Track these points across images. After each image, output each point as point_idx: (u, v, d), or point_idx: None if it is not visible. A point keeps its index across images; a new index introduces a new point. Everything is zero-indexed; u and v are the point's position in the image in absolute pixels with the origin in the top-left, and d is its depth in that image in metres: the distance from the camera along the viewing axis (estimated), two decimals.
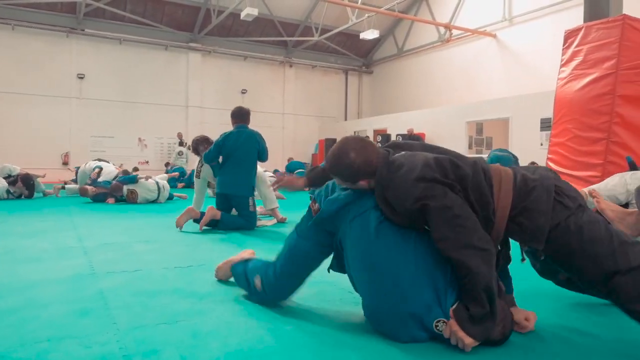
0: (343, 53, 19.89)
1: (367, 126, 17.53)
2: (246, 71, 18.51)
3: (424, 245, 1.75)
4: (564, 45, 4.72)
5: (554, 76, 5.13)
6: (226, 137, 4.90)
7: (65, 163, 15.44)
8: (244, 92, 18.45)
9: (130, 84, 16.46)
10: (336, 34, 17.55)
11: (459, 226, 1.63)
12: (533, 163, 9.03)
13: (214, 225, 4.63)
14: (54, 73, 15.43)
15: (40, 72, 15.25)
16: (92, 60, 15.96)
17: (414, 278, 1.69)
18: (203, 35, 17.04)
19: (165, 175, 10.24)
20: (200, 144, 5.58)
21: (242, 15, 13.42)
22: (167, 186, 8.10)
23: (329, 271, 2.06)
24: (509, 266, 1.99)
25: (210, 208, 4.57)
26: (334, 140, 15.34)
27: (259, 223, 5.03)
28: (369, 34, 15.19)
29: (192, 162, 14.30)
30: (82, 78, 15.82)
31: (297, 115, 19.65)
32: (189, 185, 11.06)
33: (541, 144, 10.66)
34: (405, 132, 14.10)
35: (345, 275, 1.96)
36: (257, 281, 2.10)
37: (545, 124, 10.36)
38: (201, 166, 5.48)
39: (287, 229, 4.83)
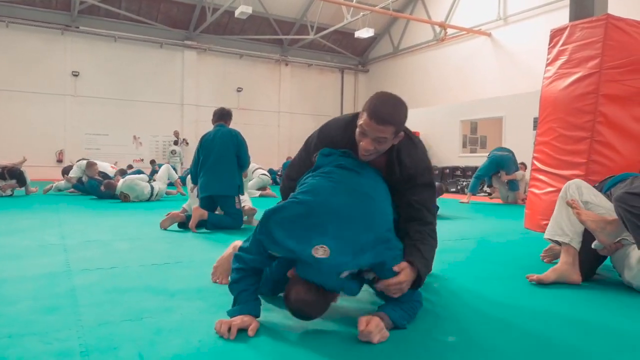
0: (339, 52, 19.89)
1: None
2: (242, 69, 18.51)
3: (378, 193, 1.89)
4: (549, 44, 4.72)
5: None
6: (202, 138, 4.85)
7: (59, 160, 15.44)
8: (239, 90, 18.44)
9: (125, 82, 16.45)
10: (332, 32, 17.56)
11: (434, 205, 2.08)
12: (522, 164, 9.05)
13: (203, 225, 4.60)
14: (48, 70, 15.41)
15: (34, 69, 15.23)
16: (87, 58, 15.95)
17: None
18: (198, 33, 17.03)
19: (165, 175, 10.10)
20: None
21: (237, 13, 13.42)
22: (162, 186, 8.10)
23: None
24: None
25: (196, 209, 4.54)
26: None
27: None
28: (364, 33, 15.20)
29: (187, 160, 14.31)
30: (76, 76, 15.81)
31: (292, 113, 19.65)
32: (183, 183, 11.05)
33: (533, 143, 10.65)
34: None
35: None
36: None
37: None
38: None
39: None
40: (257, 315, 1.79)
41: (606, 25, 4.13)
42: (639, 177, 2.59)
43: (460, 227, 5.18)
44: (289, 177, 2.33)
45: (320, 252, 1.63)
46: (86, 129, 16.07)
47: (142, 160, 16.64)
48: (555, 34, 4.67)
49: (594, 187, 2.77)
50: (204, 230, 4.54)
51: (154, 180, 8.15)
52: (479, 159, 11.39)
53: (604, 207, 2.59)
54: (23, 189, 8.38)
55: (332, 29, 16.96)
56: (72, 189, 8.92)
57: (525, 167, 8.85)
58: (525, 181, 8.18)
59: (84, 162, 8.64)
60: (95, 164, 8.44)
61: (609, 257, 2.62)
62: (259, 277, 1.89)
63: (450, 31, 15.95)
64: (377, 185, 1.91)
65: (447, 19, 16.18)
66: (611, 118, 4.13)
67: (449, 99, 15.81)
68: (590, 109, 4.19)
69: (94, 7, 15.35)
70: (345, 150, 1.98)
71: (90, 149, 15.78)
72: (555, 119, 4.49)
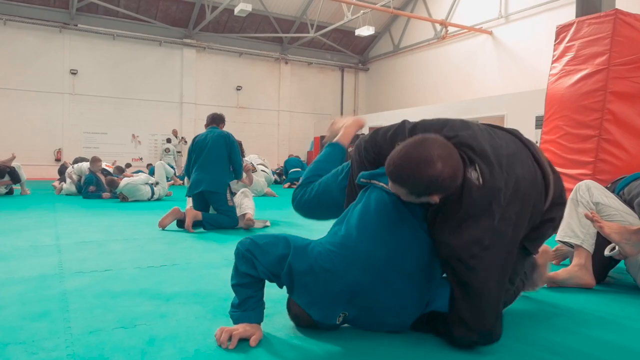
0: (339, 50, 19.77)
1: None
2: (241, 68, 18.38)
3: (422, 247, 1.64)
4: (555, 40, 4.62)
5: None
6: (194, 139, 4.91)
7: (58, 159, 15.30)
8: (239, 88, 18.33)
9: (123, 80, 16.32)
10: (332, 30, 17.44)
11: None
12: None
13: (200, 225, 4.53)
14: (46, 68, 15.28)
15: (32, 67, 15.10)
16: (85, 56, 15.82)
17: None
18: (197, 31, 16.90)
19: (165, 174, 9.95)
20: None
21: (236, 10, 13.30)
22: (163, 186, 8.05)
23: None
24: None
25: (189, 210, 4.48)
26: None
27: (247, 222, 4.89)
28: (364, 31, 15.09)
29: (184, 159, 14.19)
30: (75, 74, 15.68)
31: (292, 112, 19.53)
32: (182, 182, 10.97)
33: (536, 142, 10.57)
34: None
35: None
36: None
37: (540, 122, 10.26)
38: None
39: (273, 230, 4.74)
40: (260, 321, 1.69)
41: (615, 21, 4.03)
42: None
43: None
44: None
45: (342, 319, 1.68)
46: (84, 127, 15.94)
47: (141, 159, 16.52)
48: (562, 30, 4.57)
49: (607, 187, 2.67)
50: (201, 229, 4.46)
51: (157, 183, 8.03)
52: None
53: (615, 208, 2.50)
54: (19, 186, 8.29)
55: (332, 27, 16.84)
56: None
57: None
58: None
59: (84, 164, 8.51)
60: (100, 160, 8.42)
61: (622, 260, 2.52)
62: (264, 282, 1.74)
63: (451, 29, 15.84)
64: (417, 241, 1.64)
65: (448, 17, 16.07)
66: (619, 116, 4.03)
67: (450, 98, 15.70)
68: (598, 106, 4.09)
69: (92, 4, 15.21)
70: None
71: (88, 147, 15.65)
72: (562, 116, 4.39)
